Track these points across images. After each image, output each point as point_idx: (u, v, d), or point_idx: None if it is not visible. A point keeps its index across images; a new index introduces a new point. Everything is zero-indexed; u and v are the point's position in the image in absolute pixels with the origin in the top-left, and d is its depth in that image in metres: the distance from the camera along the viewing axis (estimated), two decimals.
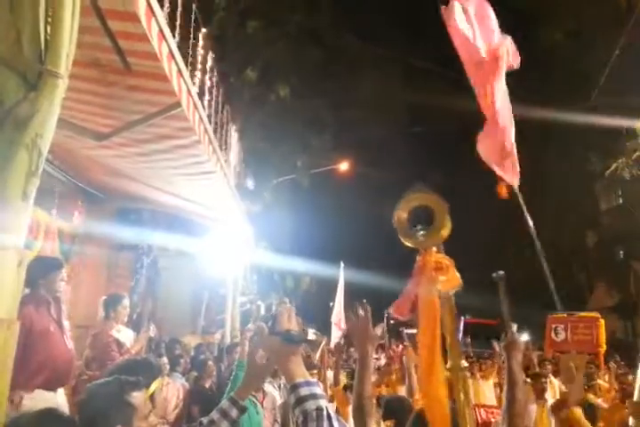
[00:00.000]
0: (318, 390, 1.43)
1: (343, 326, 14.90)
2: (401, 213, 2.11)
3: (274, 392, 5.21)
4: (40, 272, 3.89)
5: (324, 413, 1.36)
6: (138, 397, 1.91)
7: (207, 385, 6.18)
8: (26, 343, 3.66)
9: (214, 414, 1.61)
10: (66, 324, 4.10)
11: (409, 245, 2.21)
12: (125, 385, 1.93)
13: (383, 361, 10.72)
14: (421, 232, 2.12)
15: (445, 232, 2.14)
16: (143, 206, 8.21)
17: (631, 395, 5.52)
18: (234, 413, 1.61)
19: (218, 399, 5.74)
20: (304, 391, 1.40)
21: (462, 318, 22.58)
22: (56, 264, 4.08)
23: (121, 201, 7.72)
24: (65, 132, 4.74)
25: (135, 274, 8.86)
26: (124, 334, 5.10)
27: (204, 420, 1.61)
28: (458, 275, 2.43)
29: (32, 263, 4.08)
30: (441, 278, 2.36)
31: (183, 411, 5.81)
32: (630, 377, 6.30)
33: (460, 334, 22.29)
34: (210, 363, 6.40)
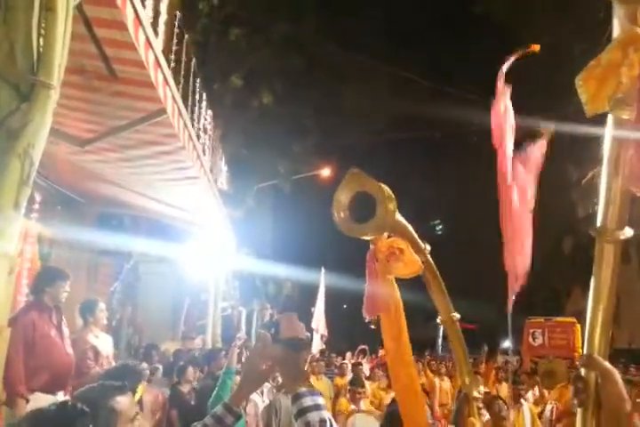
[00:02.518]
0: (321, 400, 1.42)
1: (322, 331, 14.90)
2: (340, 210, 1.95)
3: (256, 398, 5.22)
4: (47, 280, 4.16)
5: (327, 425, 1.37)
6: (122, 401, 1.91)
7: (186, 391, 6.16)
8: (27, 347, 3.82)
9: (208, 420, 1.56)
10: (66, 331, 4.25)
11: (358, 236, 2.03)
12: (109, 390, 1.94)
13: (366, 366, 10.79)
14: (364, 224, 1.93)
15: (391, 218, 1.94)
16: (124, 212, 8.17)
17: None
18: (228, 419, 1.56)
19: (196, 405, 5.73)
20: (307, 402, 1.40)
21: None
22: (63, 275, 4.27)
23: (102, 206, 7.67)
24: (48, 137, 4.72)
25: (115, 280, 8.80)
26: (103, 341, 5.05)
27: (198, 425, 1.58)
28: (416, 257, 2.28)
29: (41, 272, 4.46)
30: (395, 265, 2.25)
31: (163, 417, 5.78)
32: None
33: (440, 340, 22.47)
34: (190, 369, 6.38)
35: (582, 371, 1.74)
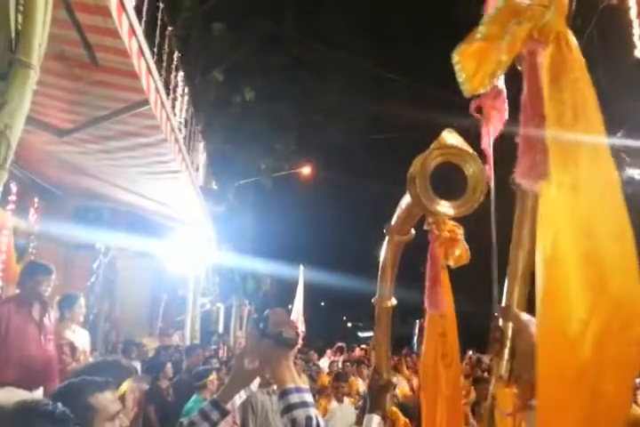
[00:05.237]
0: (308, 397, 1.40)
1: (302, 327, 14.88)
2: (423, 178, 1.68)
3: None
4: (28, 275, 4.22)
5: (314, 422, 1.35)
6: (101, 398, 1.86)
7: (164, 386, 6.12)
8: None
9: (194, 417, 1.53)
10: (48, 326, 4.23)
11: (433, 213, 1.82)
12: (88, 387, 1.88)
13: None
14: (451, 202, 1.69)
15: (479, 199, 1.71)
16: (103, 205, 8.04)
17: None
18: (215, 415, 1.53)
19: (174, 401, 5.66)
20: (294, 398, 1.38)
21: (417, 321, 22.90)
22: (44, 270, 4.28)
23: (80, 199, 7.53)
24: (24, 126, 4.61)
25: (92, 274, 8.67)
26: (80, 336, 5.00)
27: (185, 421, 1.53)
28: (466, 246, 2.21)
29: (25, 266, 4.51)
30: (452, 252, 2.19)
31: (139, 413, 5.72)
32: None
33: (416, 338, 22.61)
34: (168, 365, 6.33)
35: (500, 322, 1.76)
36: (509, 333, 1.71)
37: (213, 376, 5.19)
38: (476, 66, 1.48)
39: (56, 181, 6.82)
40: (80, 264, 8.09)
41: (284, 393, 1.40)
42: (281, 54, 17.23)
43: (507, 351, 1.71)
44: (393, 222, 2.13)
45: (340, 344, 14.15)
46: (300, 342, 13.69)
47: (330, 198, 25.48)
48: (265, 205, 19.54)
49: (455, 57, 1.50)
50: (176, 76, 8.72)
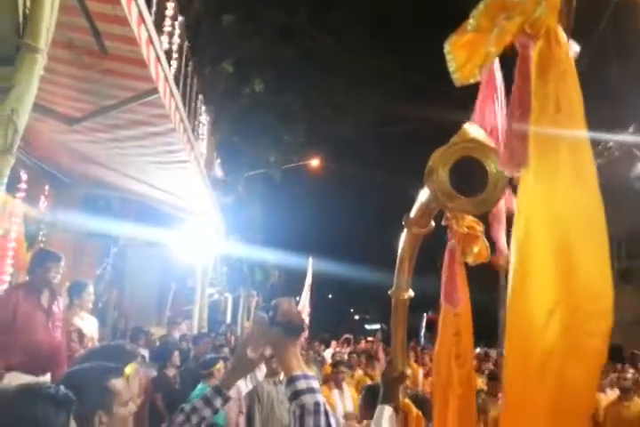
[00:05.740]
0: (315, 384, 1.41)
1: (306, 320, 14.91)
2: (441, 173, 1.63)
3: (239, 382, 5.21)
4: (38, 262, 4.27)
5: (322, 408, 1.35)
6: (117, 383, 1.90)
7: (171, 374, 6.17)
8: (6, 325, 3.84)
9: (197, 402, 1.57)
10: (57, 313, 4.27)
11: (455, 210, 1.80)
12: (106, 372, 1.92)
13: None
14: (470, 199, 1.64)
15: (499, 196, 1.64)
16: (112, 194, 8.08)
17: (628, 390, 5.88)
18: (218, 402, 1.58)
19: (181, 389, 5.72)
20: (301, 385, 1.39)
21: (425, 314, 22.87)
22: (54, 257, 4.31)
23: (89, 187, 7.57)
24: (33, 114, 4.63)
25: (102, 262, 8.74)
26: (88, 323, 5.05)
27: (186, 407, 1.57)
28: (487, 243, 2.17)
29: (35, 254, 4.61)
30: (470, 250, 2.16)
31: (146, 400, 5.78)
32: (629, 375, 6.49)
33: (423, 331, 22.63)
34: (176, 353, 6.39)
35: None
36: None
37: (220, 365, 5.22)
38: (466, 56, 1.52)
39: (66, 169, 6.86)
40: (90, 252, 8.15)
41: (291, 380, 1.40)
42: (291, 46, 17.16)
43: None
44: (412, 215, 2.07)
45: (347, 336, 14.20)
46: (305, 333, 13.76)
47: (338, 191, 25.44)
48: (274, 197, 19.56)
49: (447, 47, 1.54)
50: (186, 66, 8.70)
